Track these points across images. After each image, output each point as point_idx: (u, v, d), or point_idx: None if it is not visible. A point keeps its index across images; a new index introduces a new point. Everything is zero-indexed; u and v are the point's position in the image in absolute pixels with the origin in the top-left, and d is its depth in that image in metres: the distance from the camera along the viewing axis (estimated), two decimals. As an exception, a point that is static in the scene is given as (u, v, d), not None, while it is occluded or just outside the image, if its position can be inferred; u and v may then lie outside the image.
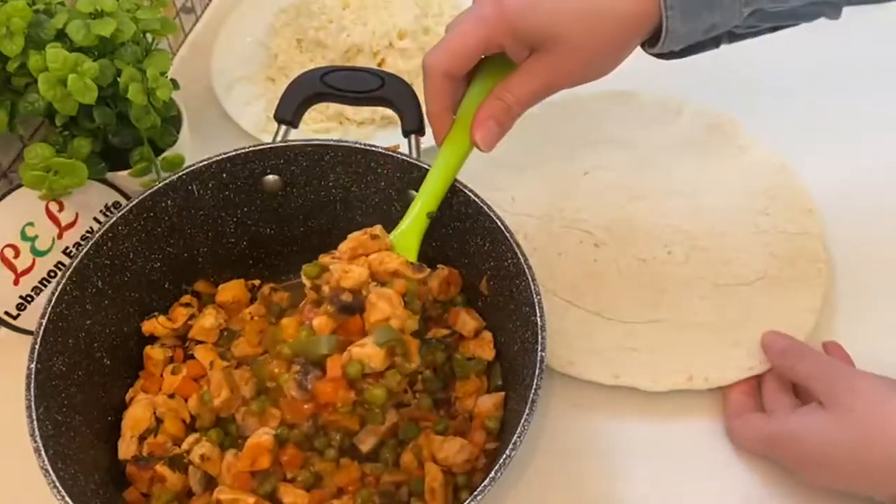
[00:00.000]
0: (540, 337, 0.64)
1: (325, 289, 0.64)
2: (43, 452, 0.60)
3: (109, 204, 0.79)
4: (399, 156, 0.73)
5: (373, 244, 0.67)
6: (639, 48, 0.66)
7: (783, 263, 0.79)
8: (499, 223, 0.69)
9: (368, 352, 0.61)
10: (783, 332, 0.74)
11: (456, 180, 0.71)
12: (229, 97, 0.96)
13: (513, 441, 0.60)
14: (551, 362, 0.75)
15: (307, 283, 0.65)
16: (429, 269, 0.67)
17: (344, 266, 0.64)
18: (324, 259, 0.66)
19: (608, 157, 0.88)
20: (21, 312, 0.77)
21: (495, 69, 0.66)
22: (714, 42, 0.67)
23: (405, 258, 0.66)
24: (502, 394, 0.70)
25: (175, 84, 0.78)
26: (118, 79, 0.73)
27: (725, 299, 0.78)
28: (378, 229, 0.68)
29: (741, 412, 0.71)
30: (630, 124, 0.90)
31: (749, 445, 0.70)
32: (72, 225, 0.78)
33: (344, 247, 0.67)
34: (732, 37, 0.68)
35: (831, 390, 0.66)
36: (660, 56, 0.67)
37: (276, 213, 0.78)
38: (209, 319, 0.74)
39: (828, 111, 0.91)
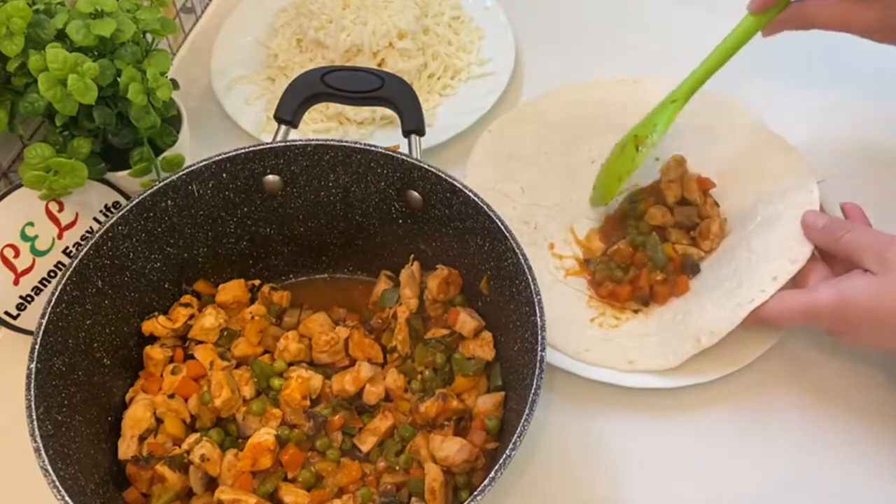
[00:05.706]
0: (540, 337, 0.64)
1: None
2: (43, 452, 0.59)
3: (109, 204, 0.79)
4: (399, 156, 0.73)
5: None
6: None
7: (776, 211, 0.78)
8: (499, 223, 0.69)
9: None
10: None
11: (455, 180, 0.71)
12: (229, 97, 0.96)
13: (513, 441, 0.60)
14: (565, 350, 0.75)
15: None
16: None
17: None
18: None
19: (613, 143, 0.87)
20: (21, 312, 0.77)
21: None
22: None
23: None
24: (502, 394, 0.70)
25: (175, 84, 0.78)
26: (118, 79, 0.73)
27: (727, 265, 0.77)
28: None
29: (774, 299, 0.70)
30: (634, 110, 0.88)
31: (786, 316, 0.70)
32: (72, 225, 0.78)
33: None
34: None
35: (884, 256, 0.65)
36: None
37: (276, 213, 0.78)
38: (209, 319, 0.74)
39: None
